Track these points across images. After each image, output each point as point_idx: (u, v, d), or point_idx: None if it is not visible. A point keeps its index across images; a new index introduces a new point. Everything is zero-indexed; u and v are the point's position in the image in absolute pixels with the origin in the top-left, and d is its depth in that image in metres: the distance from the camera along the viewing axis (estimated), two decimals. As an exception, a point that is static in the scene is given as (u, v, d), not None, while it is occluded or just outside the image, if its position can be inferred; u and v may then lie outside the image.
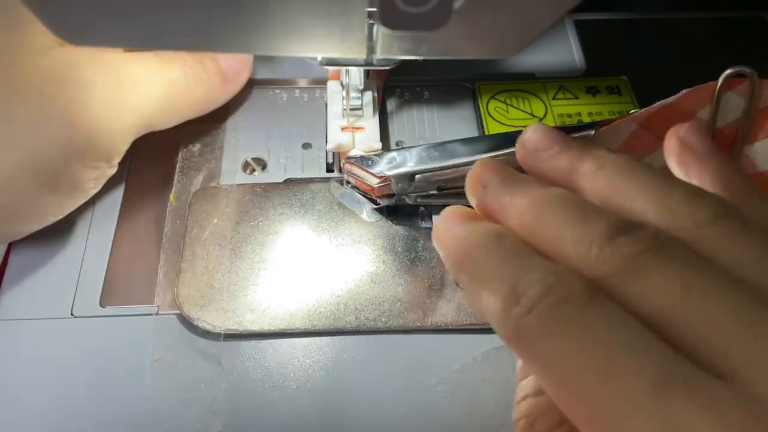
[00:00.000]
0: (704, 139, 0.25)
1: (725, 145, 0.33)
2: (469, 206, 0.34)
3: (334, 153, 0.37)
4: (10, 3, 0.28)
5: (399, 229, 0.34)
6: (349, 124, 0.36)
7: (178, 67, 0.34)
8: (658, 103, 0.32)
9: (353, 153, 0.35)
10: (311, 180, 0.36)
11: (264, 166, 0.37)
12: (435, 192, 0.34)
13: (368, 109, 0.37)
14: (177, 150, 0.37)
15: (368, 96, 0.37)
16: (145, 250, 0.34)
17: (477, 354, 0.31)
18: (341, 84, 0.37)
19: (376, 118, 0.37)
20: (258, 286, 0.32)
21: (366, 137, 0.36)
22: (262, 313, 0.32)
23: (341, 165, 0.36)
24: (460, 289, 0.32)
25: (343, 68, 0.35)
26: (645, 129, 0.32)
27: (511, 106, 0.40)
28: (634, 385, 0.16)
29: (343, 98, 0.37)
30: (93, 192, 0.33)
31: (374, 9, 0.22)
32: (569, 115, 0.40)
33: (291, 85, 0.41)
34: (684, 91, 0.32)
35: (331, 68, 0.37)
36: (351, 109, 0.36)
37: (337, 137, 0.36)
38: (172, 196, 0.35)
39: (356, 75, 0.36)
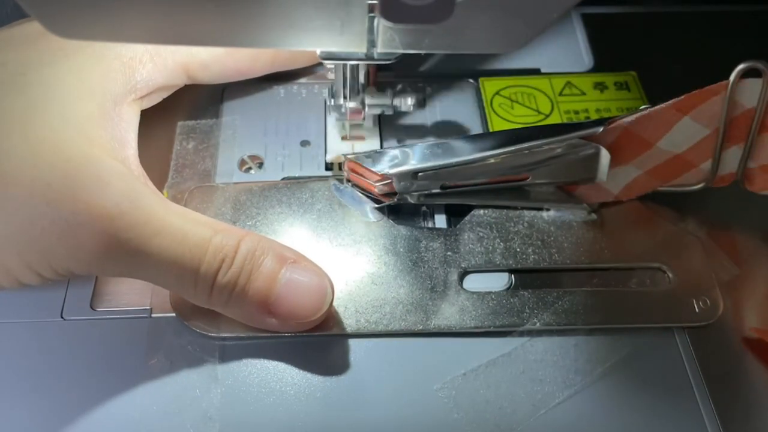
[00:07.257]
0: None
1: (736, 137, 0.32)
2: (473, 205, 0.34)
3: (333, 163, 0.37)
4: None
5: (401, 229, 0.34)
6: (348, 134, 0.36)
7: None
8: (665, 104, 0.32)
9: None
10: (310, 178, 0.36)
11: (261, 164, 0.37)
12: (438, 191, 0.33)
13: (368, 120, 0.36)
14: (171, 147, 0.37)
15: None
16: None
17: (482, 359, 0.30)
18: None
19: (377, 129, 0.37)
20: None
21: (367, 148, 0.36)
22: (259, 315, 0.31)
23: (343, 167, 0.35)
24: (465, 291, 0.32)
25: (342, 69, 0.35)
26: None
27: (516, 102, 0.39)
28: None
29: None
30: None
31: (375, 1, 0.21)
32: (576, 112, 0.39)
33: (289, 80, 0.40)
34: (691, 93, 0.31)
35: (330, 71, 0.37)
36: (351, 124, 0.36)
37: (336, 147, 0.36)
38: (165, 193, 0.35)
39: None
